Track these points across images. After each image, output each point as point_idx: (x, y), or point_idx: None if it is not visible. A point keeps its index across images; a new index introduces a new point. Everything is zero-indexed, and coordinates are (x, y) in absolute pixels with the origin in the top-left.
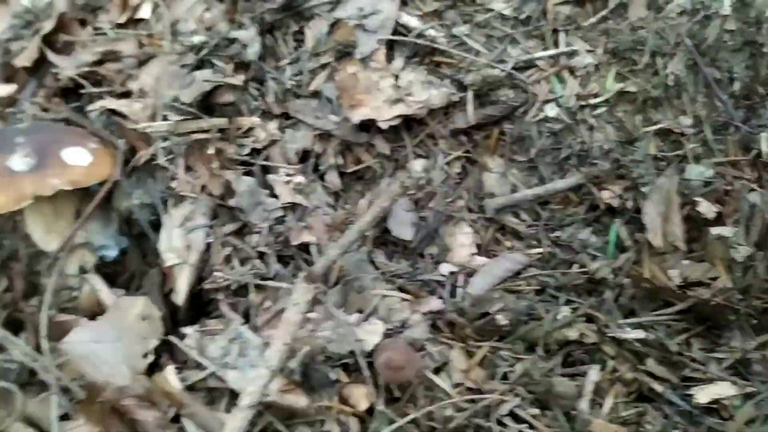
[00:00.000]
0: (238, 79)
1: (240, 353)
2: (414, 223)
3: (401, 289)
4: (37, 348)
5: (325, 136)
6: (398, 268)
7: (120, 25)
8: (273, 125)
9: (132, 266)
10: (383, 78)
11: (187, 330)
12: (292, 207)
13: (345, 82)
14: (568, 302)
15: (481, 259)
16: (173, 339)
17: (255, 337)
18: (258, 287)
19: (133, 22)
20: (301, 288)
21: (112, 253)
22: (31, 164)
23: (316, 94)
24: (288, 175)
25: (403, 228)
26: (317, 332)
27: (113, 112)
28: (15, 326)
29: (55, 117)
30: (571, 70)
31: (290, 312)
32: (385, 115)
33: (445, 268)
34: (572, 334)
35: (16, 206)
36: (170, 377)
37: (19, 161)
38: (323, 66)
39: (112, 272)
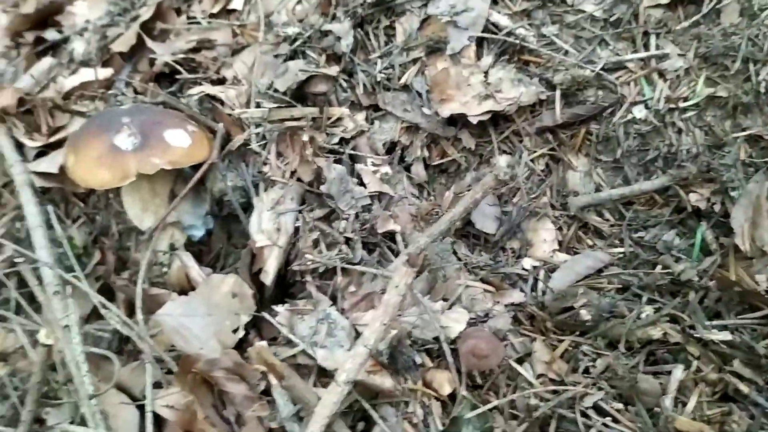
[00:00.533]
0: (333, 70)
1: (328, 333)
2: (497, 217)
3: (483, 281)
4: (130, 319)
5: (412, 128)
6: (480, 260)
7: (213, 15)
8: (361, 116)
9: (217, 246)
10: (473, 74)
11: (278, 308)
12: (379, 196)
13: (436, 77)
14: (650, 302)
15: (562, 256)
16: (266, 315)
17: (342, 319)
18: (344, 271)
19: (226, 13)
20: (401, 271)
21: (199, 232)
22: (135, 143)
23: (405, 88)
24: (375, 164)
25: (486, 221)
26: (403, 317)
27: (209, 97)
28: (106, 298)
29: (153, 100)
30: (661, 73)
31: (390, 294)
32: (475, 110)
33: (527, 263)
34: (655, 333)
35: (119, 183)
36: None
37: (124, 140)
38: (414, 60)
39: (197, 251)
